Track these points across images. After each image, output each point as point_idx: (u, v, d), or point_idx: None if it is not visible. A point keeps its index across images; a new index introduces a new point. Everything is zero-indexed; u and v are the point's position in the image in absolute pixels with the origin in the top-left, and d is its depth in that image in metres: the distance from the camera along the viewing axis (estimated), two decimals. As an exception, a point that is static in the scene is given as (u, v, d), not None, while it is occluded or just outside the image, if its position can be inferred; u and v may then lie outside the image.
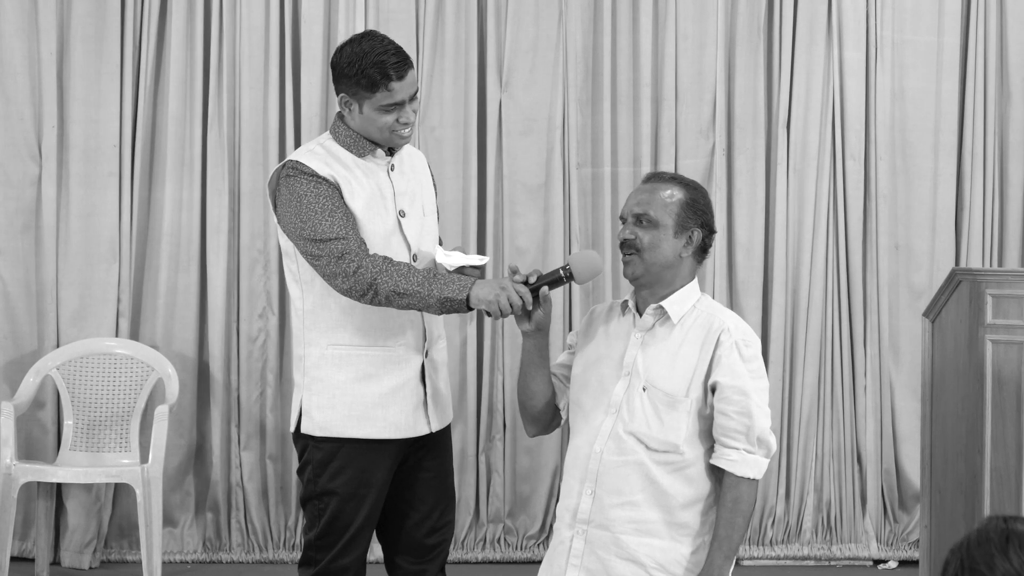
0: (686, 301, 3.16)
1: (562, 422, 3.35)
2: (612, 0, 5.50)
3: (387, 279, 3.27)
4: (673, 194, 3.15)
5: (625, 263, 3.17)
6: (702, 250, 3.19)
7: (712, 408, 3.08)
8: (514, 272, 3.26)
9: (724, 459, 3.06)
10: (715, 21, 5.51)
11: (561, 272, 3.24)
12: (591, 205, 5.53)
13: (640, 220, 3.14)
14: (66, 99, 5.40)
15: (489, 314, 3.24)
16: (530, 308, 3.22)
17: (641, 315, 3.18)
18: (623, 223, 3.18)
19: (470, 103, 5.49)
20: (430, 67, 5.45)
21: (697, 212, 3.16)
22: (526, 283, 3.23)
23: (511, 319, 3.29)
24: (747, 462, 3.05)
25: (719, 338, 3.08)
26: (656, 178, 3.21)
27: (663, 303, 3.15)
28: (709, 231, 3.19)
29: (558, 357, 3.39)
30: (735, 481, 3.05)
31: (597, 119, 5.52)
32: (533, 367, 3.27)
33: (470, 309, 3.28)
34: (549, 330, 3.28)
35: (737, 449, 3.05)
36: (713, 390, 3.07)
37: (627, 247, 3.15)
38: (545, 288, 3.22)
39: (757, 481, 3.08)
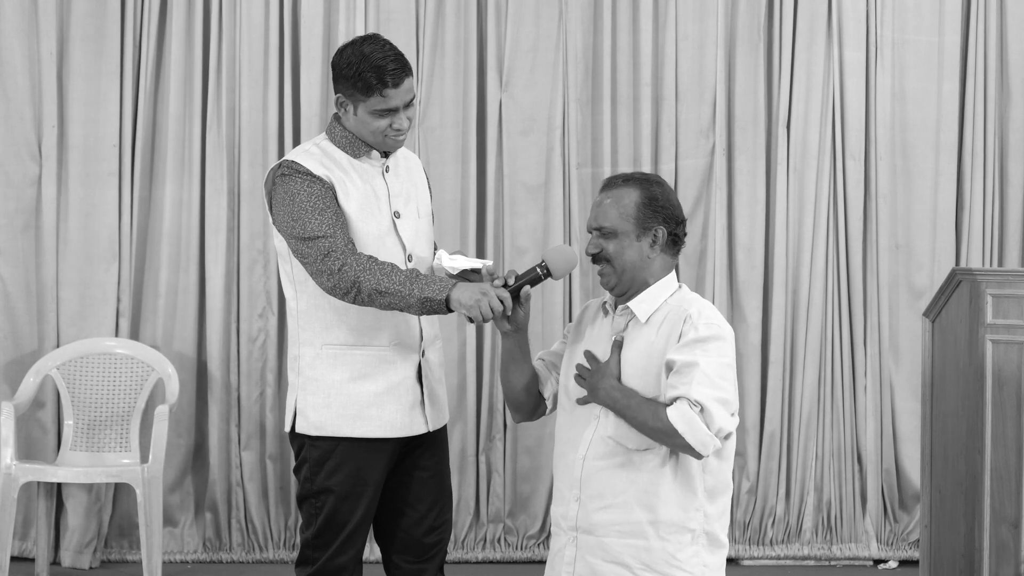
0: (656, 298, 3.11)
1: (547, 411, 3.31)
2: (612, 0, 5.50)
3: (370, 277, 3.27)
4: (628, 198, 3.10)
5: (599, 275, 3.15)
6: (672, 244, 3.13)
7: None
8: (492, 276, 3.23)
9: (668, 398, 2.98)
10: (715, 21, 5.51)
11: (538, 270, 3.21)
12: (591, 205, 5.51)
13: (602, 232, 3.12)
14: (66, 99, 5.40)
15: (471, 320, 3.21)
16: (510, 313, 3.19)
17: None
18: (590, 235, 3.16)
19: (470, 103, 5.48)
20: (430, 67, 5.45)
21: (656, 209, 3.10)
22: (505, 285, 3.19)
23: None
24: (680, 410, 2.93)
25: (683, 328, 3.03)
26: (610, 184, 3.16)
27: (630, 303, 3.12)
28: (676, 223, 3.12)
29: (552, 345, 3.37)
30: (666, 413, 2.94)
31: (597, 119, 5.52)
32: (514, 363, 3.24)
33: (450, 311, 3.26)
34: (528, 326, 3.23)
35: (678, 399, 2.96)
36: (669, 371, 3.02)
37: (596, 260, 3.13)
38: (527, 287, 3.19)
39: (679, 435, 2.93)
